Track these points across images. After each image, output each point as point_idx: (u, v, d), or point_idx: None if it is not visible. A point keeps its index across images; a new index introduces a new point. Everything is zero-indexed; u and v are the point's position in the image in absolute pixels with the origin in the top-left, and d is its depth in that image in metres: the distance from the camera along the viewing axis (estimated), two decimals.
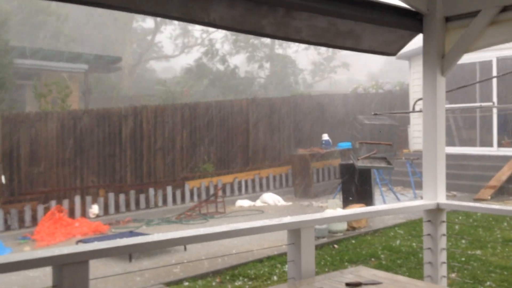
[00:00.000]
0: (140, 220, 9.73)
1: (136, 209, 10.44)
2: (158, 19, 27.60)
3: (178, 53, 30.82)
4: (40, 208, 9.22)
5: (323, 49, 30.27)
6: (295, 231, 2.82)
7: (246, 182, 12.12)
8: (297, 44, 28.71)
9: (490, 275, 5.35)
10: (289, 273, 2.86)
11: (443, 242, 3.43)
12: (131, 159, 10.96)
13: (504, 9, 3.00)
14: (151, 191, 10.69)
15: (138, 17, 27.96)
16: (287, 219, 2.86)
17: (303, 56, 29.82)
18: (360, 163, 9.65)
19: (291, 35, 3.00)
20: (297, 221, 2.85)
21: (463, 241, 6.91)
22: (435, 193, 3.41)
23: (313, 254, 2.83)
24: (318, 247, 6.85)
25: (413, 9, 3.30)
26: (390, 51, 3.51)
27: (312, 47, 29.32)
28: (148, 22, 29.20)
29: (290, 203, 11.29)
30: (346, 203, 9.48)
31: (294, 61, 27.86)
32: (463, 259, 6.03)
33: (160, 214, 10.26)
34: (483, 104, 12.89)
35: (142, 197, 10.55)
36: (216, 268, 6.00)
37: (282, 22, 2.86)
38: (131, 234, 7.92)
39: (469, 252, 6.32)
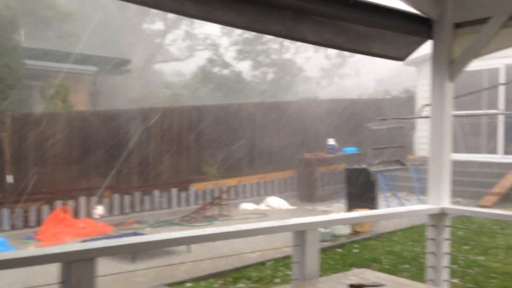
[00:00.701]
0: (144, 222, 9.80)
1: (141, 210, 10.51)
2: (168, 21, 27.77)
3: (186, 57, 30.95)
4: (46, 208, 9.31)
5: (332, 55, 30.31)
6: (300, 233, 2.85)
7: (251, 185, 12.18)
8: (305, 49, 28.82)
9: (491, 281, 5.38)
10: (294, 275, 2.89)
11: (446, 247, 3.47)
12: (137, 161, 11.05)
13: None
14: (156, 193, 10.76)
15: (148, 19, 28.13)
16: (293, 221, 2.89)
17: (311, 61, 29.84)
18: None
19: (303, 36, 3.07)
20: (303, 222, 2.88)
21: (466, 246, 6.93)
22: (440, 198, 3.45)
23: (318, 256, 2.86)
24: (322, 251, 6.88)
25: (423, 15, 3.35)
26: (400, 56, 3.56)
27: (321, 52, 29.39)
28: (157, 24, 29.35)
29: (294, 207, 11.33)
30: (350, 208, 9.51)
31: (302, 66, 27.91)
32: (465, 264, 6.05)
33: (165, 216, 10.33)
34: (490, 111, 12.90)
35: (147, 198, 10.63)
36: (219, 270, 6.05)
37: (293, 24, 2.91)
38: (135, 235, 8.00)
39: (472, 257, 6.34)
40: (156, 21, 28.42)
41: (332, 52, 29.42)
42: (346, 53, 27.29)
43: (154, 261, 6.69)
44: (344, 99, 16.77)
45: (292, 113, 13.77)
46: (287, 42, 27.17)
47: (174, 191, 10.97)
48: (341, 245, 7.37)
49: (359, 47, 3.33)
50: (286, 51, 28.11)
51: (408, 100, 16.13)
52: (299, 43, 25.59)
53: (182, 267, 6.23)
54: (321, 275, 2.89)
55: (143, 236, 2.51)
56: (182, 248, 7.08)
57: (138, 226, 9.48)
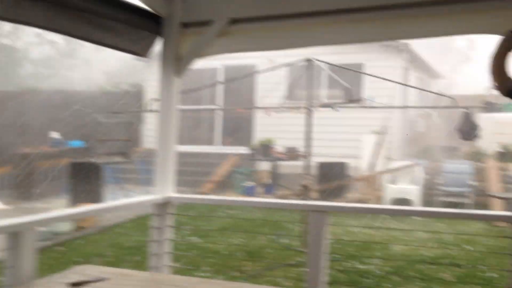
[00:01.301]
0: None
1: None
2: None
3: None
4: None
5: (59, 43, 28.58)
6: (13, 234, 2.56)
7: None
8: (28, 34, 26.35)
9: (206, 260, 5.84)
10: (6, 280, 2.59)
11: (168, 234, 3.57)
12: None
13: (233, 21, 3.23)
14: None
15: None
16: (5, 222, 2.58)
17: (36, 49, 27.55)
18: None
19: (26, 19, 2.72)
20: (16, 223, 2.60)
21: (187, 231, 7.36)
22: (165, 187, 3.53)
23: (35, 258, 2.63)
24: (42, 251, 6.38)
25: (154, 12, 3.40)
26: (136, 50, 3.54)
27: (47, 39, 27.39)
28: None
29: (10, 207, 10.23)
30: (75, 203, 9.12)
31: (23, 53, 25.57)
32: (186, 248, 6.42)
33: None
34: (211, 106, 14.08)
35: None
36: None
37: (14, 5, 2.57)
38: None
39: (192, 241, 6.78)
40: None
41: (59, 40, 27.77)
42: (75, 43, 26.17)
43: None
44: (71, 90, 15.98)
45: (10, 104, 12.42)
46: (6, 26, 24.47)
47: None
48: (63, 243, 6.98)
49: (91, 37, 3.22)
50: (4, 35, 25.27)
51: (137, 94, 16.32)
52: (21, 27, 23.32)
53: None
54: (39, 277, 2.64)
55: None
56: None
57: None
